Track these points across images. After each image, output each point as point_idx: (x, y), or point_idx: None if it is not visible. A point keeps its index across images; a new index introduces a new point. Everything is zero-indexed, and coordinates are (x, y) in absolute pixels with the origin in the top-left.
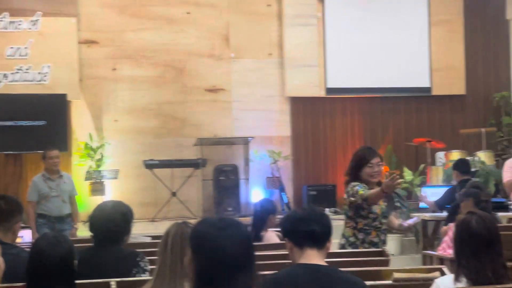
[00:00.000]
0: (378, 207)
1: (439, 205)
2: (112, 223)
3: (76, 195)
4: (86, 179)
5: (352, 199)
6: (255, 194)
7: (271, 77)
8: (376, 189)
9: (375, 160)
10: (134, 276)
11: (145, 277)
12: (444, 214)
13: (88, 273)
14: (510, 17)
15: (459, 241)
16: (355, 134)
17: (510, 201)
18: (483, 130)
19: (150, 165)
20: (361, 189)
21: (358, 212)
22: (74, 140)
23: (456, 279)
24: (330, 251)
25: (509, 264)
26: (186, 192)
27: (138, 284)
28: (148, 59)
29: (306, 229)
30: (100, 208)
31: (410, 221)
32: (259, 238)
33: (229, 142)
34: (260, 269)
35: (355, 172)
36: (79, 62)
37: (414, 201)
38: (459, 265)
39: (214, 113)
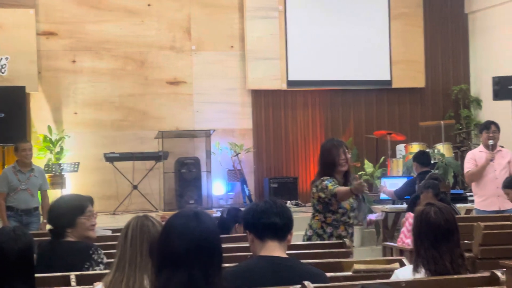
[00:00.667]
0: (347, 202)
1: (398, 195)
2: (57, 216)
3: (47, 189)
4: (45, 172)
5: (322, 194)
6: (216, 186)
7: (233, 69)
8: (346, 188)
9: (343, 150)
10: (87, 270)
11: (99, 270)
12: (404, 206)
13: (42, 268)
14: (469, 11)
15: (417, 232)
16: (316, 126)
17: (470, 192)
18: (442, 122)
19: (110, 158)
20: (330, 184)
21: (327, 207)
22: (33, 133)
23: (415, 270)
24: (292, 243)
25: (467, 254)
26: (147, 185)
27: (98, 277)
28: (109, 51)
29: (267, 222)
30: (55, 202)
31: (373, 217)
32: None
33: (190, 134)
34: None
35: (327, 164)
36: (37, 54)
37: (375, 193)
38: (418, 256)
39: (176, 105)
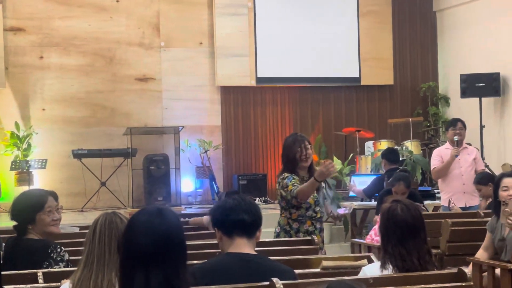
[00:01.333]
0: (311, 197)
1: (367, 194)
2: (18, 213)
3: None
4: (12, 168)
5: (283, 192)
6: (185, 183)
7: (202, 66)
8: (308, 182)
9: (304, 144)
10: (47, 269)
11: (58, 268)
12: (373, 203)
13: (8, 266)
14: (437, 9)
15: (385, 229)
16: (285, 123)
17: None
18: (410, 119)
19: (78, 155)
20: (290, 184)
21: (290, 203)
22: (0, 129)
23: (383, 266)
24: (260, 240)
25: (434, 251)
26: (115, 182)
27: (65, 275)
28: (77, 47)
29: (235, 219)
30: (16, 198)
31: (340, 211)
32: None
33: (159, 131)
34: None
35: (288, 159)
36: (5, 50)
37: (344, 190)
38: (385, 253)
39: (144, 102)
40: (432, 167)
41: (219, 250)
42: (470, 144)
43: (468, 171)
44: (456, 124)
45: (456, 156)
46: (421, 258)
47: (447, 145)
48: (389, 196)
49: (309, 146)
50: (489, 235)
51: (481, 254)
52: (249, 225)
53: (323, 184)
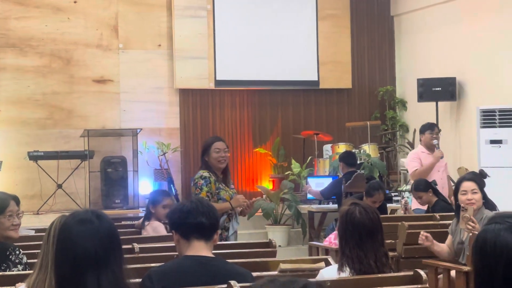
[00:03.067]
0: (227, 194)
1: (325, 195)
2: None
3: None
4: None
5: (196, 191)
6: (143, 186)
7: (160, 68)
8: (223, 204)
9: (221, 146)
10: (5, 271)
11: (16, 271)
12: (331, 205)
13: None
14: (394, 14)
15: (343, 231)
16: (244, 126)
17: (395, 192)
18: (368, 123)
19: (34, 157)
20: (205, 188)
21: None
22: None
23: (340, 269)
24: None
25: (391, 253)
26: (72, 184)
27: (20, 278)
28: (34, 48)
29: (193, 222)
30: None
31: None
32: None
33: (117, 133)
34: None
35: (204, 159)
36: None
37: (302, 193)
38: (343, 255)
39: (102, 104)
40: (412, 169)
41: (177, 253)
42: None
43: (444, 175)
44: (434, 128)
45: (442, 157)
46: (378, 261)
47: (422, 148)
48: (348, 199)
49: (227, 150)
50: (450, 237)
51: (443, 247)
52: (207, 228)
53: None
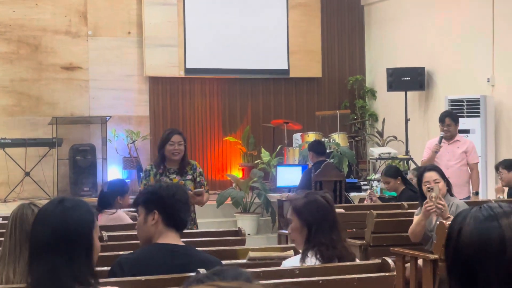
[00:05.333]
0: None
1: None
2: None
3: None
4: None
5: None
6: (112, 174)
7: (130, 56)
8: None
9: (176, 139)
10: None
11: None
12: None
13: None
14: (364, 3)
15: (312, 219)
16: (214, 115)
17: (364, 181)
18: (338, 112)
19: (2, 144)
20: (143, 182)
21: None
22: None
23: (302, 260)
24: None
25: (359, 242)
26: (40, 172)
27: None
28: (1, 34)
29: (184, 217)
30: None
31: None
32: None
33: (86, 121)
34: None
35: (160, 150)
36: None
37: (271, 182)
38: (313, 244)
39: (71, 91)
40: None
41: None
42: (472, 132)
43: (454, 164)
44: (444, 120)
45: (436, 152)
46: (342, 249)
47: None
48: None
49: (182, 143)
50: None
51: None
52: (186, 223)
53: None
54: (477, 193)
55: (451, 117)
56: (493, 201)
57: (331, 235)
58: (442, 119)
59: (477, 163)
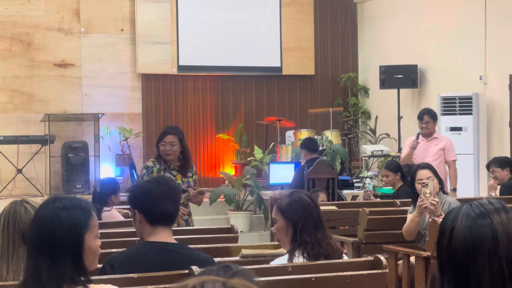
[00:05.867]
0: (179, 182)
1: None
2: None
3: None
4: None
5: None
6: (105, 171)
7: (123, 53)
8: None
9: (168, 139)
10: None
11: None
12: None
13: None
14: (357, 1)
15: (297, 218)
16: (206, 112)
17: (357, 179)
18: (330, 110)
19: None
20: (146, 178)
21: None
22: None
23: (290, 259)
24: (179, 228)
25: (351, 239)
26: (32, 169)
27: None
28: None
29: (162, 210)
30: None
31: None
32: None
33: (78, 118)
34: (106, 247)
35: (156, 147)
36: None
37: (265, 179)
38: (300, 242)
39: (63, 88)
40: (401, 155)
41: (138, 239)
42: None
43: (432, 161)
44: (423, 117)
45: (414, 148)
46: (329, 247)
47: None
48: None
49: (175, 143)
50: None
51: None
52: (173, 215)
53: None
54: (455, 190)
55: (430, 115)
56: (484, 198)
57: (316, 233)
58: (421, 116)
59: (455, 160)
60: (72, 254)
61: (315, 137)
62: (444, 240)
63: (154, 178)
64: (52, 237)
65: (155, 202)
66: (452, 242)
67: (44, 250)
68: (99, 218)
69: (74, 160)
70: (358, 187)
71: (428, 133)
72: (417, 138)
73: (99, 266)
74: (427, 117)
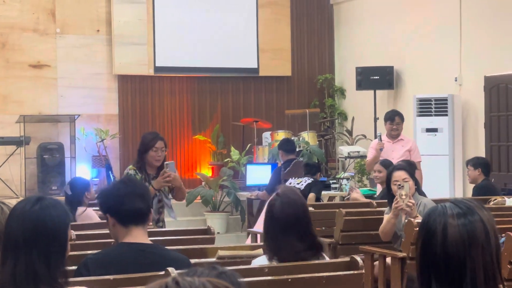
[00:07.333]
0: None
1: (271, 191)
2: None
3: None
4: None
5: None
6: (81, 172)
7: (99, 54)
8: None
9: (159, 145)
10: None
11: None
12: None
13: None
14: (334, 2)
15: (265, 222)
16: (183, 113)
17: (334, 180)
18: (307, 111)
19: None
20: None
21: None
22: None
23: (268, 258)
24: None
25: (328, 240)
26: (7, 170)
27: None
28: None
29: (131, 208)
30: None
31: (173, 216)
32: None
33: (54, 119)
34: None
35: (141, 155)
36: None
37: (241, 180)
38: (268, 245)
39: (39, 89)
40: (367, 159)
41: (114, 240)
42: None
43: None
44: (394, 118)
45: (381, 150)
46: (298, 251)
47: (384, 137)
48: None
49: (164, 149)
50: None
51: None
52: (145, 213)
53: (157, 193)
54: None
55: (400, 116)
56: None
57: (272, 241)
58: (392, 118)
59: (420, 161)
60: (62, 251)
61: (292, 138)
62: (437, 238)
63: (119, 180)
64: (46, 233)
65: (124, 201)
66: (447, 239)
67: (37, 247)
68: (74, 220)
69: (50, 161)
70: (335, 188)
71: (397, 134)
72: (380, 139)
73: (74, 268)
74: (398, 119)
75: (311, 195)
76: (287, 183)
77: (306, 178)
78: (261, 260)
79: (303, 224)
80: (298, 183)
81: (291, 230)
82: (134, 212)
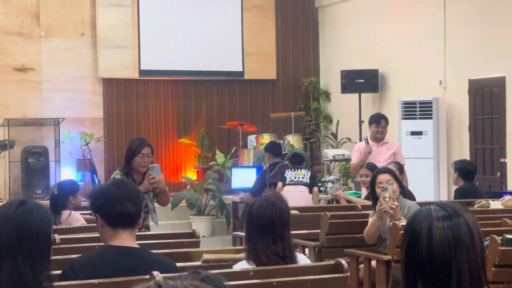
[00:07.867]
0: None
1: (254, 194)
2: None
3: None
4: None
5: None
6: (65, 176)
7: (84, 57)
8: None
9: (146, 151)
10: None
11: None
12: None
13: None
14: (319, 5)
15: (246, 225)
16: (168, 116)
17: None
18: (292, 114)
19: None
20: None
21: None
22: None
23: (248, 261)
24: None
25: (313, 243)
26: None
27: None
28: None
29: (120, 211)
30: None
31: (155, 220)
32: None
33: (38, 123)
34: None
35: (128, 161)
36: None
37: (226, 183)
38: (248, 248)
39: (23, 93)
40: (352, 162)
41: (99, 244)
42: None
43: (384, 165)
44: (380, 121)
45: (369, 153)
46: (274, 254)
47: (370, 140)
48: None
49: (150, 155)
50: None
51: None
52: (134, 217)
53: (146, 196)
54: None
55: (385, 119)
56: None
57: (257, 242)
58: (378, 120)
59: (404, 164)
60: (46, 254)
61: (277, 141)
62: (422, 241)
63: (112, 181)
64: (31, 236)
65: (113, 203)
66: (433, 241)
67: (22, 250)
68: (57, 223)
69: (34, 165)
70: (320, 192)
71: (382, 137)
72: (367, 142)
73: (59, 272)
74: (384, 122)
75: (316, 189)
76: (285, 175)
77: (305, 171)
78: (242, 265)
79: (279, 227)
80: (302, 177)
81: (266, 232)
82: (123, 215)
